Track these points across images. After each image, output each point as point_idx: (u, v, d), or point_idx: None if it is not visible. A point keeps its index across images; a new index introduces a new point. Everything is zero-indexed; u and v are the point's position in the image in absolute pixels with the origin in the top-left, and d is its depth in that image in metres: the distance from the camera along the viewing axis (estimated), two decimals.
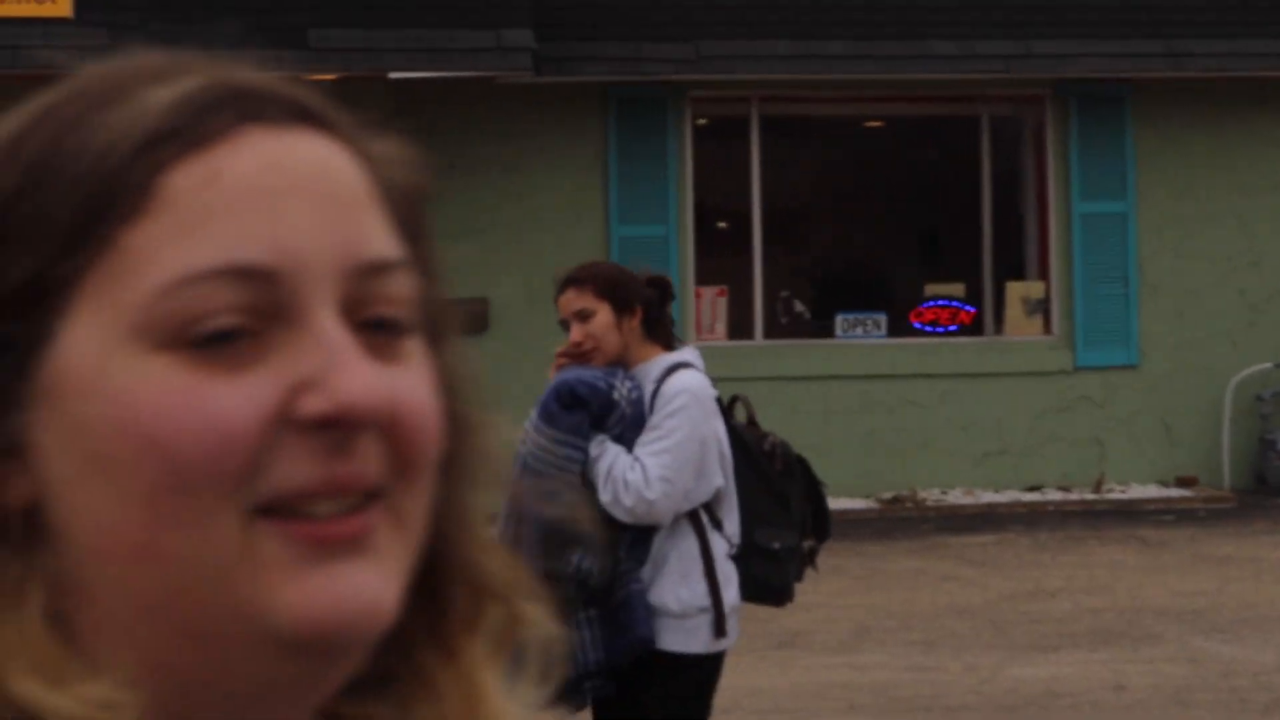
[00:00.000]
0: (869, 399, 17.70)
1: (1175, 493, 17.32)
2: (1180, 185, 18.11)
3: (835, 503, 16.61)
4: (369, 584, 0.98)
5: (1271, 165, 18.18)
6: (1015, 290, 18.29)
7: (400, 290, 1.02)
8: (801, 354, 17.90)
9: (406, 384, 1.00)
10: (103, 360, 0.97)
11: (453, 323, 1.09)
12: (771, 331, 18.26)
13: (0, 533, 0.98)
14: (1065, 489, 17.52)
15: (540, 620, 1.10)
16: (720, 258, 18.17)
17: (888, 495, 17.30)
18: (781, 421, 16.03)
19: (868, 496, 17.28)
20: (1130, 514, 16.43)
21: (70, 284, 0.98)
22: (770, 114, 18.32)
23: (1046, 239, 18.26)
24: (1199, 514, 16.46)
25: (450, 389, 1.06)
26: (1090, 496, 17.26)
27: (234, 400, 0.96)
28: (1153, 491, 17.37)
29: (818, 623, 11.63)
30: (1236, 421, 17.81)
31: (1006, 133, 18.65)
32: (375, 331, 1.00)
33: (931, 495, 17.32)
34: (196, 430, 0.95)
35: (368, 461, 0.98)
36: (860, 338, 18.13)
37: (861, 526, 15.95)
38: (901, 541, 15.19)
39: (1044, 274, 18.29)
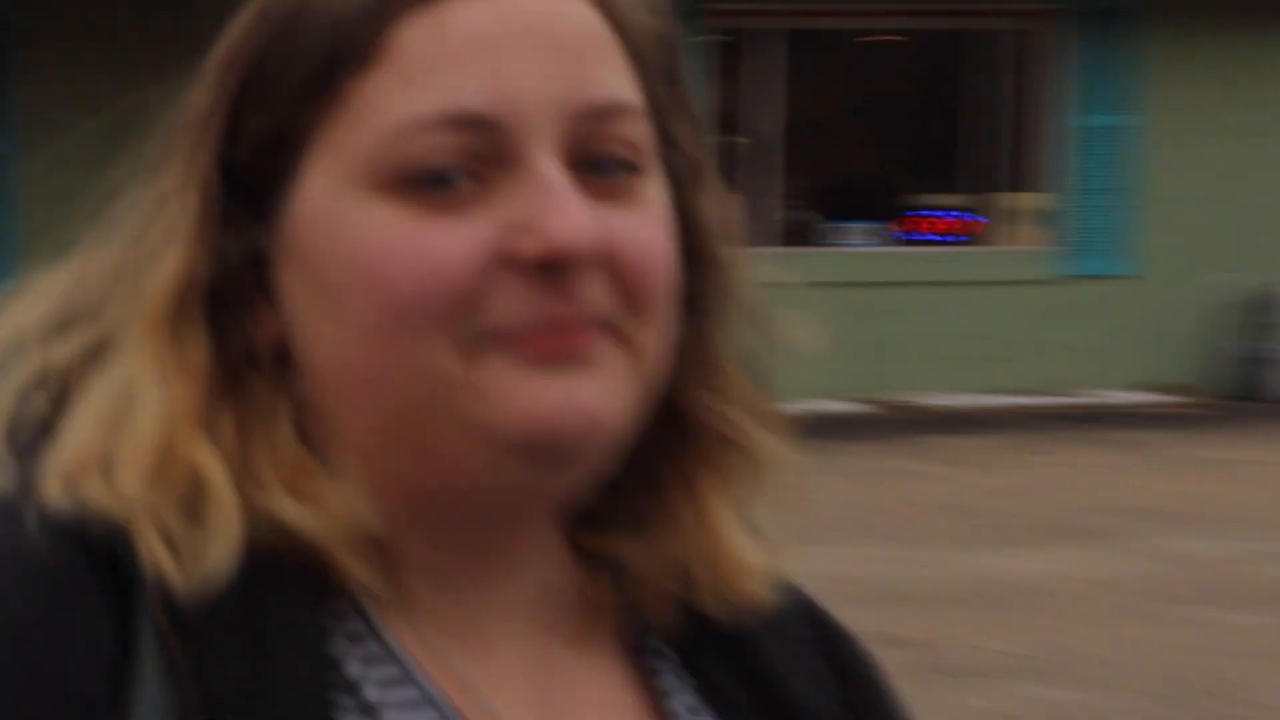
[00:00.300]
0: (868, 305, 17.75)
1: (1167, 399, 17.39)
2: (1186, 100, 18.08)
3: (829, 406, 16.79)
4: (590, 394, 1.02)
5: (1278, 81, 18.16)
6: (1017, 201, 18.31)
7: (631, 132, 1.05)
8: (803, 261, 17.93)
9: (632, 223, 1.04)
10: (333, 205, 1.03)
11: (707, 164, 1.13)
12: (777, 239, 18.33)
13: (256, 365, 1.07)
14: (1059, 395, 17.59)
15: (784, 462, 1.15)
16: (732, 169, 18.20)
17: (883, 399, 17.38)
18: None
19: (862, 401, 17.35)
20: (1121, 418, 16.49)
21: (307, 134, 1.04)
22: (780, 28, 18.33)
23: (1050, 152, 18.27)
24: (1190, 419, 16.53)
25: (697, 229, 1.10)
26: (1084, 401, 17.32)
27: (451, 241, 1.01)
28: (1145, 397, 17.43)
29: (799, 517, 11.72)
30: (1232, 332, 17.85)
31: (1014, 47, 18.62)
32: (603, 172, 1.04)
33: (926, 399, 17.39)
34: (415, 269, 1.01)
35: (589, 299, 1.02)
36: (861, 245, 18.19)
37: (853, 427, 16.03)
38: (890, 442, 15.28)
39: (1047, 186, 18.31)
